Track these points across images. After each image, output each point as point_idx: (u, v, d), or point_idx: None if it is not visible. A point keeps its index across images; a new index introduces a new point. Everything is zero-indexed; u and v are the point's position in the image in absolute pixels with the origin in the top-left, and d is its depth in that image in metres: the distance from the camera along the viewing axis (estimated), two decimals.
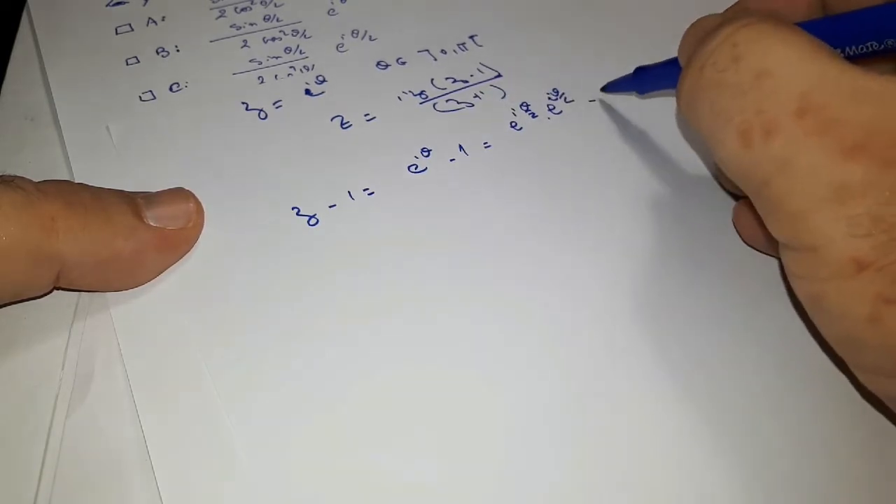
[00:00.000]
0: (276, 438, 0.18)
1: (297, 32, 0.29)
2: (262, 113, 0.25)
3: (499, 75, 0.27)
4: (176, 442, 0.17)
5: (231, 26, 0.29)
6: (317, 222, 0.22)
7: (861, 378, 0.17)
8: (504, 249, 0.21)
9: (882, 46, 0.17)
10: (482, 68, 0.27)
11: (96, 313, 0.20)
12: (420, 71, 0.27)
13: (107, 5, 0.29)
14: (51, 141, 0.24)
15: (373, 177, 0.23)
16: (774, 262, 0.21)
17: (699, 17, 0.20)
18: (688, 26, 0.20)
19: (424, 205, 0.23)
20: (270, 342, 0.19)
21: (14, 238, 0.17)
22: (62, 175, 0.23)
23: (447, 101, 0.26)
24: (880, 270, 0.14)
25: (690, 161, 0.24)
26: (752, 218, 0.20)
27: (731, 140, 0.16)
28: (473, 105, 0.26)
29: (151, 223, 0.20)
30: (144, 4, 0.29)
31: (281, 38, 0.28)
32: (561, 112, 0.26)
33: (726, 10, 0.20)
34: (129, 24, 0.28)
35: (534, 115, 0.25)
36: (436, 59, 0.27)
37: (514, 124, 0.25)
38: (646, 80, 0.24)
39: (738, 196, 0.23)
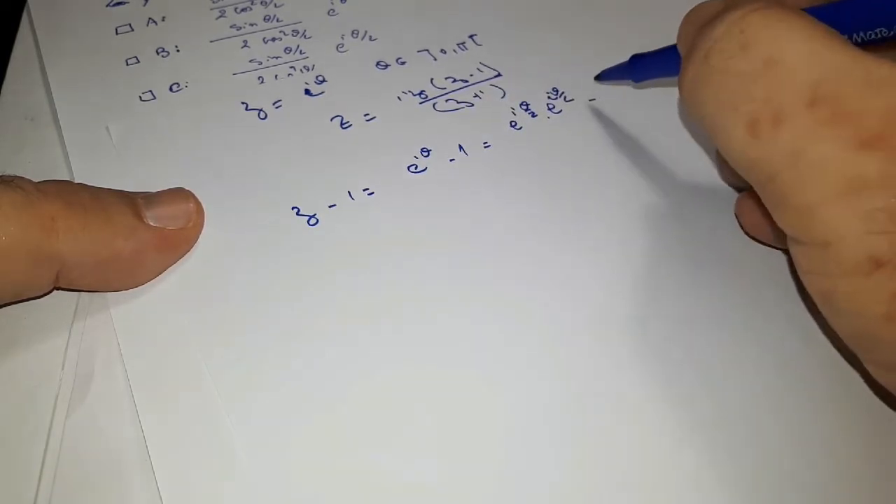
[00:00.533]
0: (276, 438, 0.18)
1: (297, 33, 0.29)
2: (261, 113, 0.25)
3: (498, 75, 0.27)
4: (176, 442, 0.17)
5: (231, 26, 0.29)
6: (317, 222, 0.22)
7: (873, 373, 0.16)
8: (504, 249, 0.21)
9: (891, 33, 0.16)
10: (482, 68, 0.27)
11: (96, 313, 0.20)
12: (420, 71, 0.27)
13: (107, 5, 0.29)
14: (51, 141, 0.24)
15: (373, 177, 0.23)
16: (774, 261, 0.21)
17: None
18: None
19: (424, 205, 0.23)
20: (270, 342, 0.19)
21: (14, 238, 0.17)
22: (62, 175, 0.23)
23: (447, 100, 0.26)
24: None
25: (691, 161, 0.24)
26: (757, 210, 0.20)
27: (738, 130, 0.16)
28: (473, 105, 0.26)
29: (151, 223, 0.20)
30: (144, 4, 0.29)
31: (281, 39, 0.28)
32: (561, 111, 0.26)
33: None
34: (129, 24, 0.28)
35: (533, 115, 0.25)
36: (435, 59, 0.27)
37: (513, 124, 0.25)
38: (642, 67, 0.23)
39: (740, 188, 0.23)
